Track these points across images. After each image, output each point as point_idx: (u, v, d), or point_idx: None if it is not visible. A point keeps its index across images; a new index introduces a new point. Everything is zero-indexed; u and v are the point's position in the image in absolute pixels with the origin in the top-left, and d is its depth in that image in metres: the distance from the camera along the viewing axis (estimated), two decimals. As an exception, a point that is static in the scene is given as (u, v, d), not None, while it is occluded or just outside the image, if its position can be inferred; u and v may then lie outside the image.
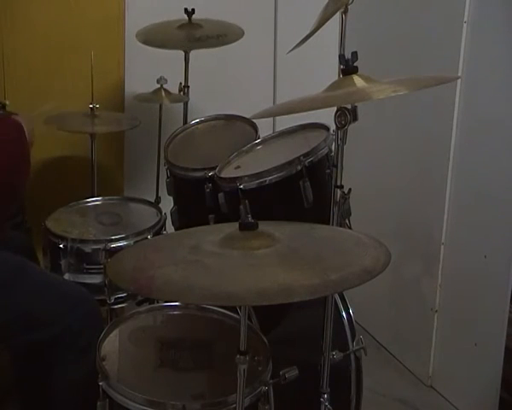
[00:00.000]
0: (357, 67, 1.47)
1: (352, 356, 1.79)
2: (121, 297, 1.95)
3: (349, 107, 1.47)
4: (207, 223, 2.01)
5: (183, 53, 2.41)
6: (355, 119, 1.47)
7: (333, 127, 1.55)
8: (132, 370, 1.52)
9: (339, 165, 1.52)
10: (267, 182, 1.77)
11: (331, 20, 1.59)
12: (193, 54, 2.42)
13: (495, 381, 2.14)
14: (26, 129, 1.72)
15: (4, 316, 1.65)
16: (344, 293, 1.84)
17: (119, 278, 1.27)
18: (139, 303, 1.99)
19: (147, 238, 1.97)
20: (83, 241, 1.96)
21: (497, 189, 2.10)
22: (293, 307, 1.69)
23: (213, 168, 1.96)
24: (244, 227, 1.27)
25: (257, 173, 1.78)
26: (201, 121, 2.36)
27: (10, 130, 1.71)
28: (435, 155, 2.32)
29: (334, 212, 1.55)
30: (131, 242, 1.95)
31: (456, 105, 2.20)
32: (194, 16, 2.37)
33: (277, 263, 1.20)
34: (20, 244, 1.97)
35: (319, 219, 1.52)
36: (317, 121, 1.94)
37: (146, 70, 2.52)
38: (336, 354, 1.66)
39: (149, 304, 1.84)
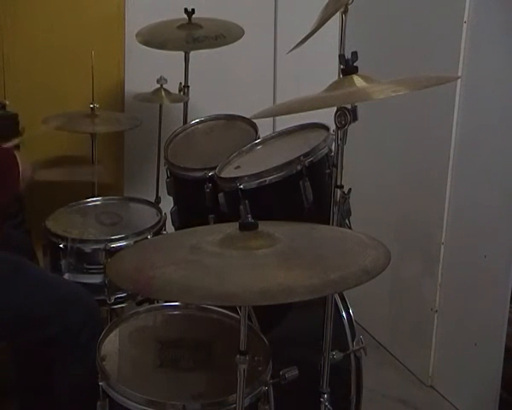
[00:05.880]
0: (357, 67, 1.46)
1: (352, 356, 1.79)
2: (121, 297, 1.95)
3: (349, 107, 1.47)
4: (207, 223, 2.01)
5: (183, 53, 2.41)
6: (355, 119, 1.47)
7: (333, 127, 1.55)
8: (132, 370, 1.52)
9: (339, 165, 1.52)
10: (267, 182, 1.77)
11: (331, 20, 1.60)
12: (193, 54, 2.42)
13: (495, 381, 2.14)
14: (20, 165, 1.72)
15: (4, 315, 1.65)
16: (344, 293, 1.84)
17: (119, 278, 1.27)
18: (139, 303, 1.99)
19: (147, 238, 1.97)
20: (83, 241, 1.96)
21: (497, 189, 2.10)
22: (293, 307, 1.69)
23: (213, 168, 1.96)
24: (244, 227, 1.27)
25: (257, 173, 1.78)
26: (201, 121, 2.36)
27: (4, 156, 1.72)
28: (435, 155, 2.32)
29: (334, 212, 1.55)
30: (131, 242, 1.95)
31: (456, 105, 2.20)
32: (194, 16, 2.37)
33: (277, 263, 1.19)
34: (19, 244, 1.97)
35: (319, 219, 1.52)
36: (317, 121, 1.94)
37: (146, 70, 2.52)
38: (336, 354, 1.66)
39: (149, 304, 1.84)
